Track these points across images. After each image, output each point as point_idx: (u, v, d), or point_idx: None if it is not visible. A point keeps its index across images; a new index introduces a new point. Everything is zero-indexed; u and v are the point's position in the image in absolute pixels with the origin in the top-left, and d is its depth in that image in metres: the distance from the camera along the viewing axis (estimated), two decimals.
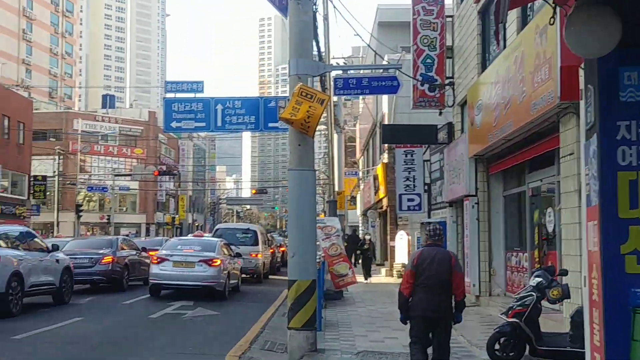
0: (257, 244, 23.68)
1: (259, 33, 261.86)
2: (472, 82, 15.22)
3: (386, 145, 27.26)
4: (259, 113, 26.40)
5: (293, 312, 9.25)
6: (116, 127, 72.73)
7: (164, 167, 68.28)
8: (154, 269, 17.12)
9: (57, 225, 51.96)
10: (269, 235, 33.21)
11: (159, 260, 17.15)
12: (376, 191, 30.45)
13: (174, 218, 79.28)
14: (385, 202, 27.88)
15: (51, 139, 64.41)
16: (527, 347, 8.24)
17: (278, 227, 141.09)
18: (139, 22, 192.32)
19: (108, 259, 18.65)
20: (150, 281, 17.26)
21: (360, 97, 44.46)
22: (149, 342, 10.77)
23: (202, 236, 19.39)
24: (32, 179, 46.04)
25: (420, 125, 18.32)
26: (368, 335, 11.11)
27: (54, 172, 53.54)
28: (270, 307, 15.51)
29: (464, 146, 15.61)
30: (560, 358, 7.96)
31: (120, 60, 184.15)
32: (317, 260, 13.04)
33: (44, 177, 47.40)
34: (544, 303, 8.63)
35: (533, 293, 8.16)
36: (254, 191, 69.93)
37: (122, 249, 19.95)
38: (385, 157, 27.77)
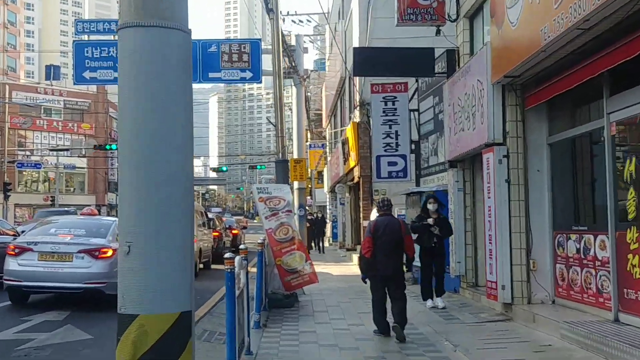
0: None
1: None
2: None
3: (357, 99, 21.52)
4: (197, 60, 20.64)
5: None
6: (61, 100, 66.41)
7: (116, 143, 61.78)
8: (11, 264, 11.25)
9: None
10: (215, 215, 27.42)
11: (17, 250, 11.30)
12: (346, 159, 24.64)
13: None
14: (356, 171, 22.09)
15: None
16: None
17: (245, 209, 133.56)
18: None
19: None
20: (5, 282, 11.39)
21: (327, 50, 38.53)
22: None
23: (95, 215, 13.54)
24: None
25: (409, 49, 12.60)
26: None
27: None
28: None
29: (481, 68, 9.97)
30: None
31: None
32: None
33: None
34: None
35: None
36: (211, 169, 63.78)
37: None
38: (356, 115, 22.00)
